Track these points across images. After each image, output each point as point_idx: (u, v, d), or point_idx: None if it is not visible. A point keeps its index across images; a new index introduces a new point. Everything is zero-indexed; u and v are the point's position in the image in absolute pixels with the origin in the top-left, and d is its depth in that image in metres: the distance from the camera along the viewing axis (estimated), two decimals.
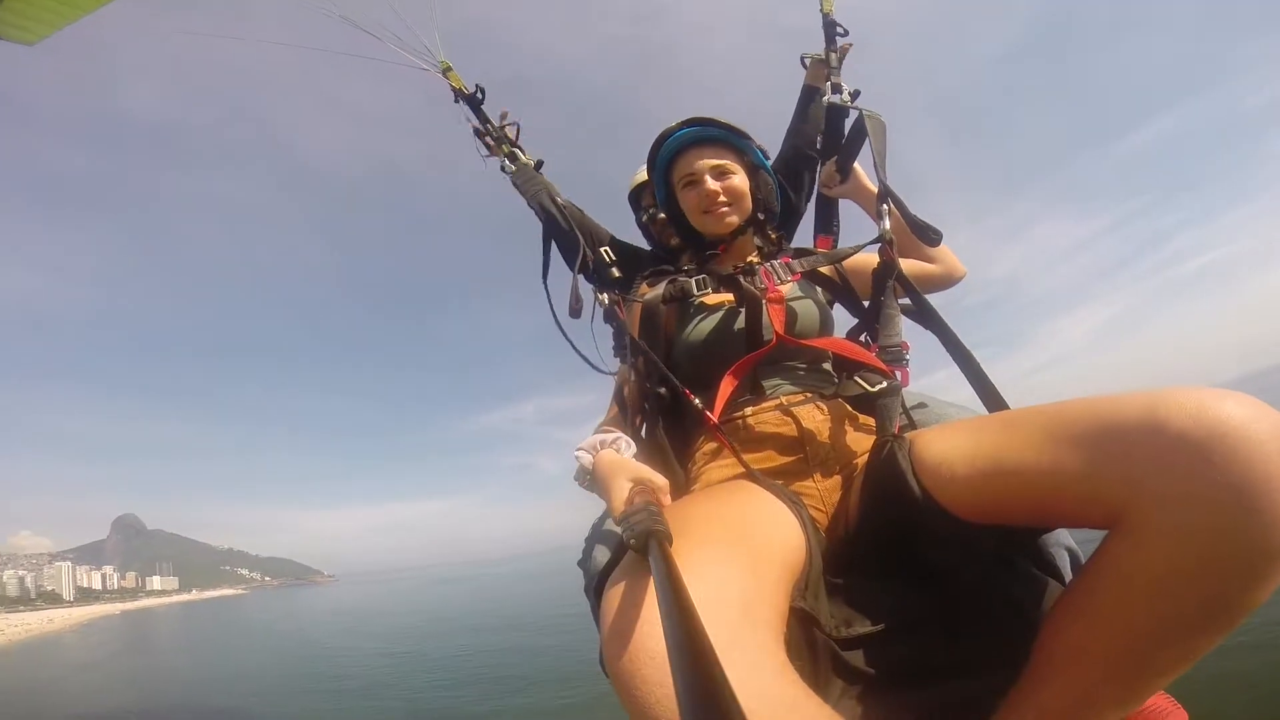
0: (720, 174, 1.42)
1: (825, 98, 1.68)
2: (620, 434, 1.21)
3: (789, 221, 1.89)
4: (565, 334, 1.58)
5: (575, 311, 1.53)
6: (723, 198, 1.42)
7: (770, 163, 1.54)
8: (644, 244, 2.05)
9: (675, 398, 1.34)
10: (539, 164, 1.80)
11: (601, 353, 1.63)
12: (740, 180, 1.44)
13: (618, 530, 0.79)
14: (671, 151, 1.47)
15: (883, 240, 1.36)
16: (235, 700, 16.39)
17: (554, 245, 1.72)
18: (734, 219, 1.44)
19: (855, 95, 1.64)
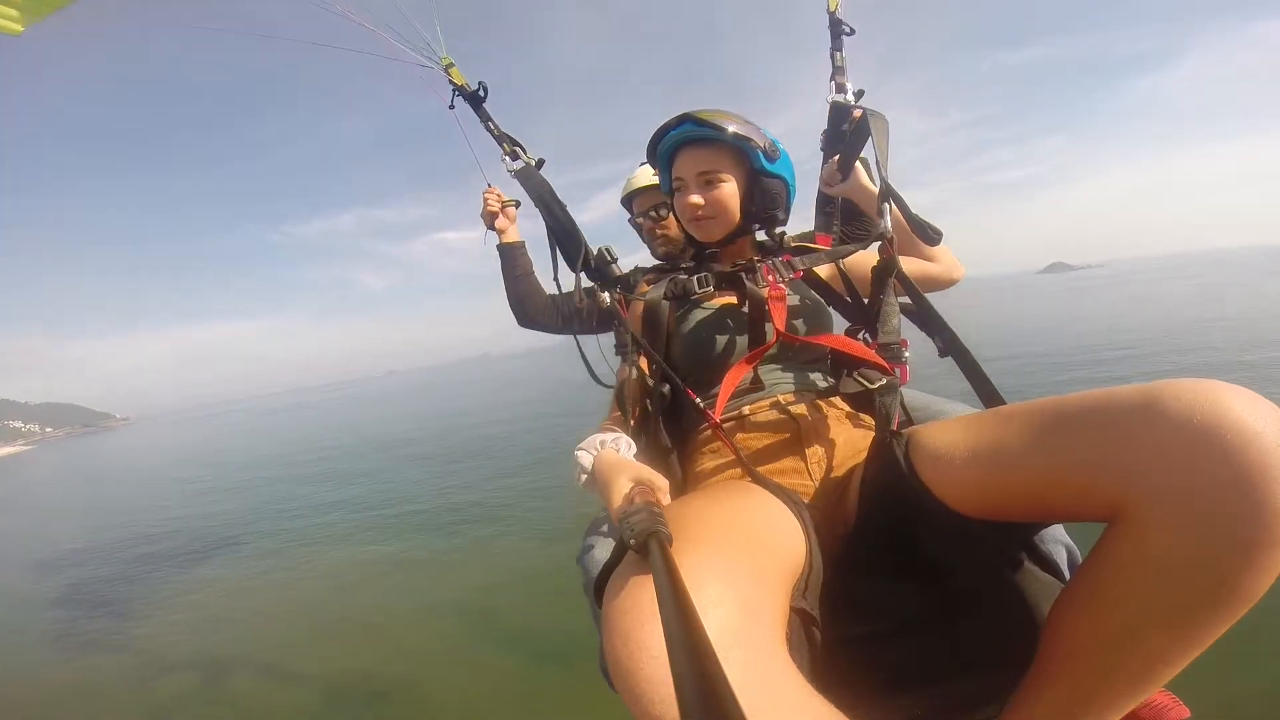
0: (707, 183, 1.37)
1: (830, 96, 1.65)
2: (620, 433, 1.22)
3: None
4: (580, 346, 1.74)
5: (579, 310, 1.58)
6: (701, 211, 1.38)
7: (778, 163, 1.42)
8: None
9: (676, 396, 1.36)
10: (540, 163, 1.79)
11: (605, 354, 1.72)
12: (728, 190, 1.37)
13: (618, 530, 0.78)
14: (671, 148, 1.43)
15: (883, 238, 1.37)
16: (128, 530, 14.36)
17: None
18: (716, 232, 1.42)
19: (860, 95, 1.62)
